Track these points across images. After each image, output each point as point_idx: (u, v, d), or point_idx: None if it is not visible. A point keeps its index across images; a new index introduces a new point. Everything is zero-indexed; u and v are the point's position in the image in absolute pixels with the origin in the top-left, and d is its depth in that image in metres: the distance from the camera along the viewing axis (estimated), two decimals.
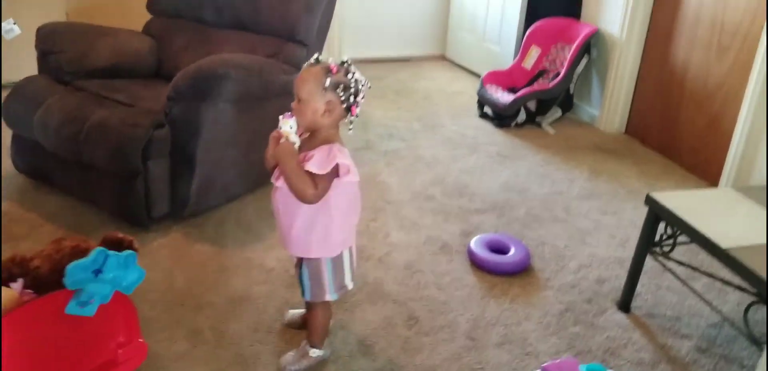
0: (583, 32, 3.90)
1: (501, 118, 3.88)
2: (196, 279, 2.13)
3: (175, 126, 2.25)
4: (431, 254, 2.40)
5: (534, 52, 4.19)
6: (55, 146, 2.31)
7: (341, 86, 1.50)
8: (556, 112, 4.01)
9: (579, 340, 2.01)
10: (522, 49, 4.23)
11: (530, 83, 4.12)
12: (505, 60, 4.47)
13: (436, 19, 5.38)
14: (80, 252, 1.44)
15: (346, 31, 5.08)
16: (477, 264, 2.34)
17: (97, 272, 1.41)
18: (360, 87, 1.54)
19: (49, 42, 2.54)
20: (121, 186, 2.25)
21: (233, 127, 2.37)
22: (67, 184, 2.47)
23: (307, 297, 1.72)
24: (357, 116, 1.57)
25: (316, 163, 1.49)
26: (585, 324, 2.08)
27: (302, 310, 1.92)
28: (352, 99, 1.52)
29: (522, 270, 2.33)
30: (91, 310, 1.41)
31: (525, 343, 1.97)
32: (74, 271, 1.36)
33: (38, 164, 2.52)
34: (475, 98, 4.10)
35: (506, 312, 2.11)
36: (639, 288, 2.19)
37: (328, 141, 1.53)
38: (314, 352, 1.79)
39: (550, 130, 3.87)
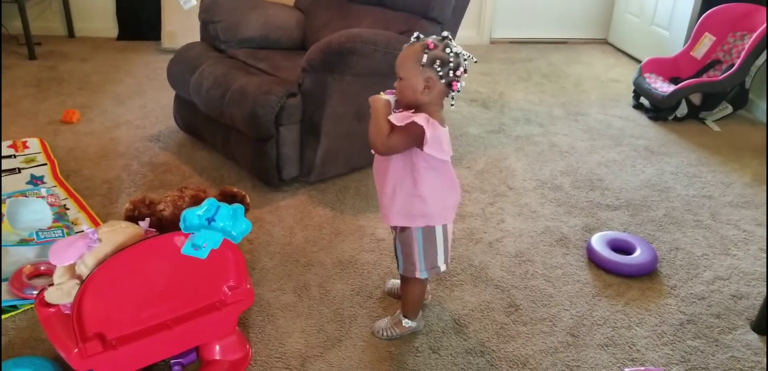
0: None
1: (657, 110, 3.58)
2: (312, 239, 2.28)
3: (305, 96, 2.41)
4: (546, 245, 2.32)
5: (707, 40, 3.79)
6: (205, 107, 2.60)
7: (439, 61, 1.49)
8: (725, 108, 3.60)
9: (696, 355, 1.83)
10: (693, 36, 3.85)
11: (699, 74, 3.74)
12: (675, 46, 4.09)
13: (600, 0, 5.06)
14: (199, 201, 1.61)
15: (500, 10, 4.98)
16: (595, 261, 2.22)
17: (210, 220, 1.57)
18: (462, 61, 1.52)
19: (210, 12, 2.84)
20: (256, 148, 2.46)
21: (359, 100, 2.47)
22: (214, 142, 2.76)
23: (400, 271, 1.77)
24: (459, 91, 1.55)
25: (397, 117, 1.51)
26: (707, 340, 1.89)
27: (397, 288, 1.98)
28: (451, 74, 1.51)
29: (645, 274, 2.17)
30: (203, 253, 1.57)
31: (631, 349, 1.84)
32: (189, 217, 1.52)
33: (193, 122, 2.84)
34: (632, 87, 3.82)
35: (618, 314, 1.98)
36: None
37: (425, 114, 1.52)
38: (407, 322, 1.84)
39: (715, 127, 3.49)
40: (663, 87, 3.61)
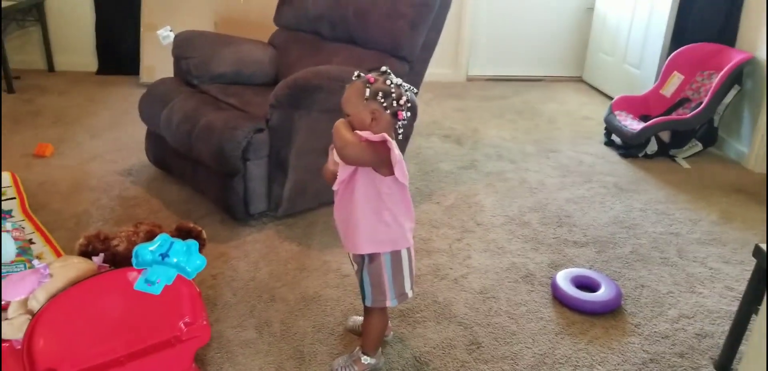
0: (735, 59, 3.52)
1: (628, 147, 3.64)
2: (277, 274, 2.28)
3: (273, 131, 2.42)
4: (511, 282, 2.33)
5: (675, 79, 3.87)
6: (174, 141, 2.61)
7: (381, 93, 1.54)
8: (694, 146, 3.66)
9: None
10: (662, 75, 3.93)
11: (668, 112, 3.81)
12: (646, 84, 4.18)
13: (575, 40, 5.18)
14: (153, 236, 1.62)
15: (477, 48, 5.07)
16: (559, 298, 2.23)
17: (164, 256, 1.57)
18: (403, 91, 1.57)
19: (183, 48, 2.87)
20: (223, 183, 2.47)
21: (326, 135, 2.47)
22: (184, 176, 2.77)
23: (368, 303, 1.75)
24: (405, 120, 1.59)
25: (367, 133, 1.53)
26: None
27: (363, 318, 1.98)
28: (395, 104, 1.56)
29: (608, 312, 2.17)
30: (157, 289, 1.57)
31: None
32: (141, 252, 1.53)
33: (164, 156, 2.85)
34: (603, 125, 3.88)
35: (580, 352, 1.99)
36: (744, 348, 1.94)
37: None
38: (366, 359, 1.83)
39: (684, 164, 3.55)
40: (633, 124, 3.67)
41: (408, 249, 1.72)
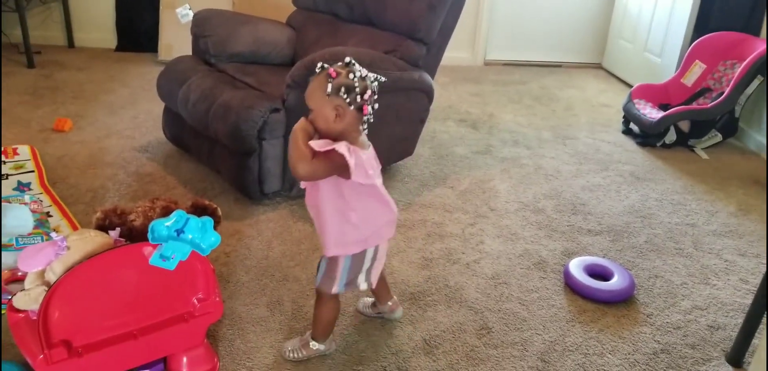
0: (758, 49, 3.45)
1: (646, 136, 3.60)
2: (290, 254, 2.29)
3: (289, 111, 2.43)
4: (523, 268, 2.32)
5: (697, 69, 3.81)
6: (191, 119, 2.62)
7: (343, 88, 1.47)
8: (714, 136, 3.61)
9: None
10: (684, 64, 3.87)
11: (688, 102, 3.76)
12: (666, 72, 4.12)
13: (595, 25, 5.11)
14: (169, 212, 1.62)
15: (494, 31, 5.02)
16: (571, 286, 2.22)
17: (179, 232, 1.59)
18: (369, 84, 1.50)
19: (201, 26, 2.87)
20: (239, 161, 2.48)
21: None
22: (200, 154, 2.78)
23: (316, 284, 1.74)
24: (370, 115, 1.54)
25: (319, 143, 1.48)
26: (680, 370, 1.89)
27: (373, 299, 1.99)
28: (358, 99, 1.49)
29: (621, 301, 2.17)
30: (171, 265, 1.59)
31: None
32: (157, 228, 1.54)
33: (180, 134, 2.87)
34: (622, 113, 3.83)
35: (591, 340, 1.98)
36: (758, 341, 1.92)
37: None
38: (314, 345, 1.81)
39: (703, 155, 3.50)
40: (652, 113, 3.63)
41: (376, 247, 1.69)
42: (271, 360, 1.80)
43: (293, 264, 2.23)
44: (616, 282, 2.21)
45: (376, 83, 1.54)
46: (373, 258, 1.71)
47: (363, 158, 1.52)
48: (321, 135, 1.53)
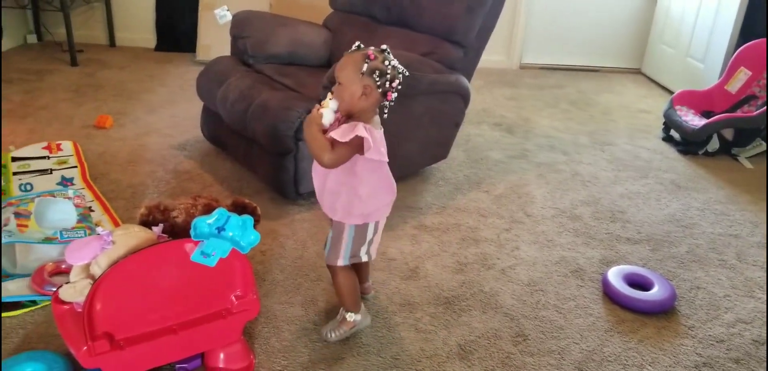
0: None
1: (687, 143, 3.51)
2: (323, 254, 2.29)
3: None
4: (560, 276, 2.29)
5: (742, 75, 3.71)
6: (229, 119, 2.65)
7: (378, 72, 1.57)
8: (759, 145, 3.51)
9: None
10: (728, 70, 3.77)
11: (732, 109, 3.66)
12: (709, 79, 4.03)
13: (635, 30, 5.02)
14: (211, 210, 1.64)
15: (531, 35, 4.97)
16: (610, 295, 2.18)
17: (220, 230, 1.61)
18: (397, 74, 1.60)
19: (240, 27, 2.91)
20: (275, 161, 2.50)
21: None
22: (237, 153, 2.82)
23: (326, 259, 1.84)
24: (392, 102, 1.64)
25: (340, 131, 1.58)
26: None
27: (365, 283, 2.07)
28: (387, 85, 1.59)
29: (661, 312, 2.12)
30: (212, 261, 1.60)
31: None
32: (199, 225, 1.56)
33: (218, 133, 2.91)
34: (662, 119, 3.75)
35: (630, 351, 1.94)
36: None
37: (359, 121, 1.61)
38: (350, 316, 1.88)
39: (747, 164, 3.41)
40: (694, 120, 3.54)
41: (376, 223, 1.79)
42: (306, 359, 1.81)
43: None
44: (656, 293, 2.16)
45: (401, 76, 1.63)
46: (374, 233, 1.80)
47: (377, 137, 1.63)
48: (341, 108, 1.63)
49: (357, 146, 1.60)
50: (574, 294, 2.19)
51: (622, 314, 2.10)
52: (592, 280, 2.27)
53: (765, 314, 2.16)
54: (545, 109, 4.08)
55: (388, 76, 1.59)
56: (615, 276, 2.22)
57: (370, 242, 1.81)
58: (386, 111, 1.67)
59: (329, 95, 1.65)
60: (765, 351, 1.98)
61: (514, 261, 2.35)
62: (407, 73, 1.65)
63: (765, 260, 2.48)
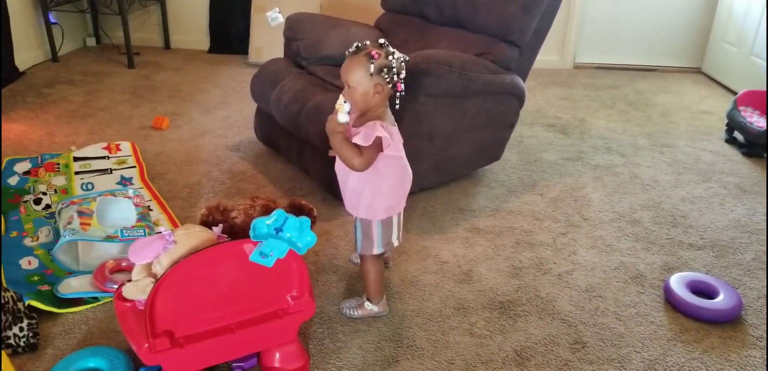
0: None
1: (752, 146, 3.36)
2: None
3: None
4: (620, 282, 2.22)
5: None
6: (283, 120, 2.68)
7: (385, 68, 1.67)
8: None
9: None
10: None
11: None
12: None
13: (695, 27, 4.84)
14: (269, 211, 1.65)
15: (585, 33, 4.86)
16: (672, 303, 2.10)
17: (278, 231, 1.62)
18: (402, 64, 1.70)
19: (293, 29, 2.93)
20: (328, 163, 2.49)
21: (431, 120, 2.47)
22: (289, 154, 2.84)
23: (358, 251, 1.92)
24: (402, 92, 1.73)
25: (362, 136, 1.67)
26: None
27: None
28: (395, 77, 1.69)
29: (728, 321, 2.02)
30: (269, 262, 1.62)
31: None
32: (258, 226, 1.57)
33: (271, 134, 2.94)
34: (725, 120, 3.60)
35: (694, 361, 1.86)
36: None
37: (376, 118, 1.71)
38: (369, 306, 1.97)
39: None
40: (760, 121, 3.38)
41: (400, 213, 1.89)
42: (359, 361, 1.80)
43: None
44: (722, 301, 2.07)
45: (403, 63, 1.72)
46: (398, 220, 1.90)
47: (394, 132, 1.73)
48: (356, 108, 1.73)
49: (378, 144, 1.69)
50: (634, 300, 2.12)
51: (685, 323, 2.02)
52: (653, 287, 2.19)
53: None
54: (601, 109, 3.97)
55: (395, 69, 1.68)
56: (678, 283, 2.14)
57: (399, 227, 1.91)
58: (397, 101, 1.76)
59: (341, 97, 1.72)
60: None
61: (571, 266, 2.29)
62: (406, 58, 1.74)
63: None
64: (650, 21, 4.82)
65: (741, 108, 3.54)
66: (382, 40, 1.73)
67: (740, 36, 4.35)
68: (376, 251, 1.89)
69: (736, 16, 4.41)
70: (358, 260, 2.14)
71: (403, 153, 1.79)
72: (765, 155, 3.31)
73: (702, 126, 3.77)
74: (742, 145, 3.44)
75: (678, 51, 4.93)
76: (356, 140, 1.69)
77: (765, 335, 1.98)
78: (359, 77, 1.68)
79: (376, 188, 1.79)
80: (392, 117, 1.79)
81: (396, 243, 1.92)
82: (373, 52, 1.66)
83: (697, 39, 4.86)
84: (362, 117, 1.75)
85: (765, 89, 3.66)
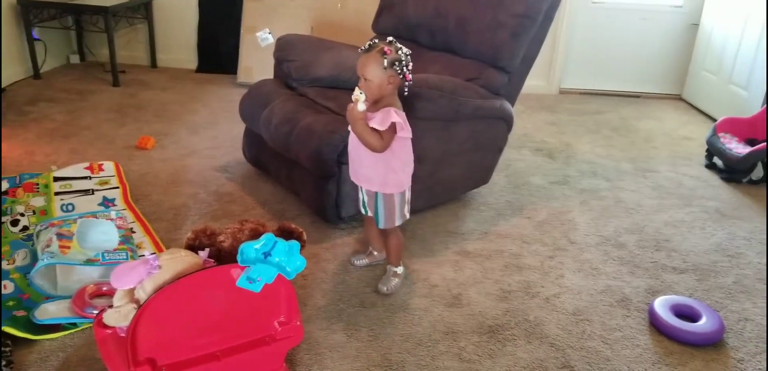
0: None
1: (731, 171, 3.43)
2: (365, 279, 2.29)
3: None
4: (606, 305, 2.24)
5: None
6: (272, 141, 2.68)
7: (396, 61, 1.93)
8: None
9: None
10: None
11: None
12: (753, 106, 3.93)
13: (676, 56, 4.93)
14: (257, 235, 1.65)
15: (570, 60, 4.93)
16: (657, 326, 2.12)
17: (266, 255, 1.61)
18: (408, 57, 1.97)
19: (285, 51, 2.94)
20: (317, 185, 2.51)
21: (422, 143, 2.47)
22: (278, 176, 2.84)
23: (381, 226, 2.17)
24: (411, 81, 2.00)
25: (378, 121, 1.93)
26: None
27: (367, 260, 2.37)
28: (405, 69, 1.96)
29: (710, 344, 2.05)
30: (257, 287, 1.60)
31: None
32: (247, 250, 1.56)
33: (260, 155, 2.93)
34: (705, 146, 3.67)
35: None
36: None
37: (388, 105, 1.95)
38: (399, 269, 2.26)
39: None
40: (738, 148, 3.46)
41: (408, 188, 2.16)
42: None
43: (370, 291, 2.23)
44: (704, 324, 2.09)
45: (409, 57, 1.98)
46: (408, 192, 2.15)
47: (404, 117, 1.99)
48: (371, 98, 1.97)
49: (393, 128, 1.95)
50: (620, 324, 2.14)
51: (669, 346, 2.04)
52: (639, 310, 2.22)
53: None
54: (586, 134, 4.03)
55: (404, 61, 1.95)
56: (662, 306, 2.17)
57: (408, 202, 2.16)
58: (406, 89, 2.03)
59: (357, 89, 1.94)
60: None
61: (558, 289, 2.31)
62: (408, 52, 1.97)
63: None
64: (633, 49, 4.91)
65: (720, 134, 3.61)
66: (390, 38, 1.95)
67: (719, 65, 4.44)
68: (398, 222, 2.15)
69: (715, 45, 4.52)
70: (360, 262, 2.37)
71: (411, 135, 2.03)
72: (765, 180, 3.36)
73: (683, 151, 3.83)
74: (721, 171, 3.50)
75: (660, 78, 5.02)
76: (373, 124, 1.93)
77: (745, 358, 2.01)
78: (375, 71, 1.93)
79: (389, 166, 2.04)
80: (400, 103, 2.01)
81: (407, 215, 2.18)
82: (386, 49, 1.91)
83: (678, 67, 4.95)
84: (375, 105, 1.99)
85: (743, 117, 3.73)
